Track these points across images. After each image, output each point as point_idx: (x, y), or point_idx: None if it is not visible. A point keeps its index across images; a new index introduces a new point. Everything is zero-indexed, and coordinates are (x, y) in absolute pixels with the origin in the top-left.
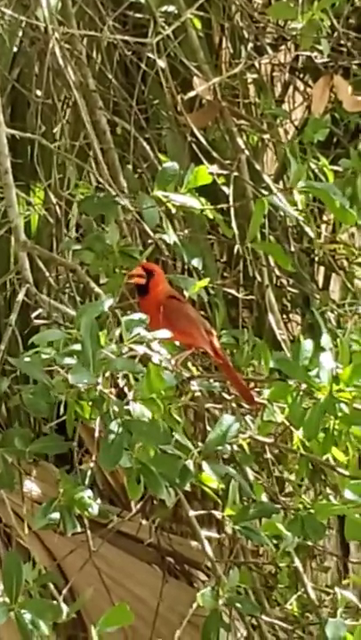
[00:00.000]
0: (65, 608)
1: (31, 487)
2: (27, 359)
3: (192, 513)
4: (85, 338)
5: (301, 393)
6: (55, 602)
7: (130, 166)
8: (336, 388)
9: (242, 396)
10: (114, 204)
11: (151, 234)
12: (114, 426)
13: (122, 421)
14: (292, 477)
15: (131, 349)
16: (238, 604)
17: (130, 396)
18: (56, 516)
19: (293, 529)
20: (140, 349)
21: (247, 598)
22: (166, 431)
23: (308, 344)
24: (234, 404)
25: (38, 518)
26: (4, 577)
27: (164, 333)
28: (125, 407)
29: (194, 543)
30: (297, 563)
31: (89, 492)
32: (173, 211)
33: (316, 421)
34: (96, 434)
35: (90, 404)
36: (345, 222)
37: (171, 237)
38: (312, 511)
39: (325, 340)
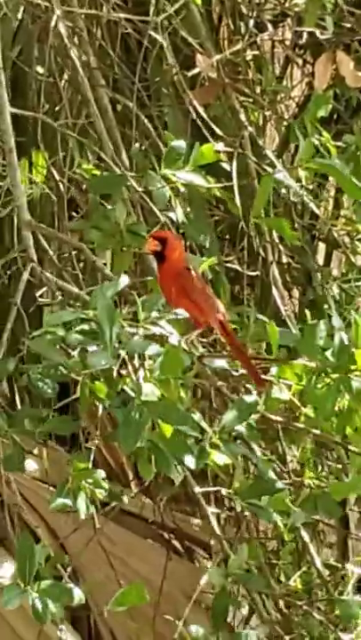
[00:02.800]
0: (77, 591)
1: (34, 466)
2: (39, 340)
3: (198, 490)
4: (102, 319)
5: (315, 372)
6: (67, 584)
7: (137, 145)
8: (348, 367)
9: (251, 377)
10: (122, 182)
11: (158, 213)
12: (133, 406)
13: (141, 402)
14: (297, 453)
15: (146, 329)
16: (247, 581)
17: (140, 376)
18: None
19: (307, 508)
20: (156, 330)
21: (257, 574)
22: (182, 410)
23: (323, 323)
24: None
25: (52, 502)
26: (17, 559)
27: (180, 312)
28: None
29: (196, 521)
30: (306, 538)
31: (101, 474)
32: (182, 189)
33: (331, 401)
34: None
35: (103, 384)
36: (357, 198)
37: (179, 215)
38: (326, 489)
39: (337, 320)
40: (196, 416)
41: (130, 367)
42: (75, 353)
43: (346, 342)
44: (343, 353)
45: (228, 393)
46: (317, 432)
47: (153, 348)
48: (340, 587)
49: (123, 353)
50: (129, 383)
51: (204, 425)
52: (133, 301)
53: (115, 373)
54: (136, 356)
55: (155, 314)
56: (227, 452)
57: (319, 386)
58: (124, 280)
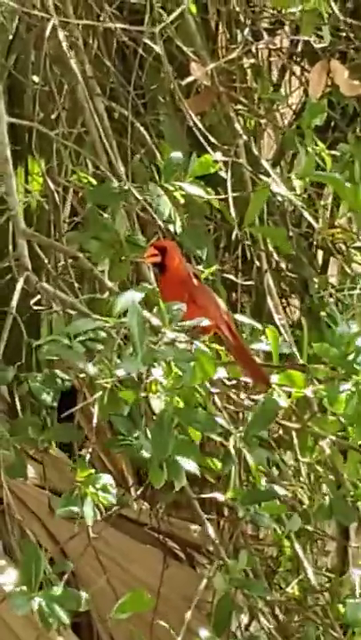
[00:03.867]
0: (84, 596)
1: (33, 471)
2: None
3: (194, 496)
4: (133, 325)
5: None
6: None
7: (137, 156)
8: None
9: (256, 378)
10: (122, 193)
11: (160, 223)
12: (164, 414)
13: (173, 409)
14: (306, 459)
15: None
16: (248, 587)
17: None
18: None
19: (322, 514)
20: (180, 338)
21: (257, 580)
22: (212, 417)
23: (345, 329)
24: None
25: (59, 508)
26: (23, 566)
27: (202, 321)
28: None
29: (194, 527)
30: (297, 547)
31: (110, 480)
32: (182, 201)
33: (358, 407)
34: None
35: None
36: (359, 208)
37: (177, 226)
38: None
39: (355, 325)
40: (223, 421)
41: (155, 374)
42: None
43: None
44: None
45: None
46: (332, 438)
47: (183, 355)
48: (341, 592)
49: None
50: (157, 390)
51: (231, 429)
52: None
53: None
54: (161, 363)
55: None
56: (252, 456)
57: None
58: (138, 295)
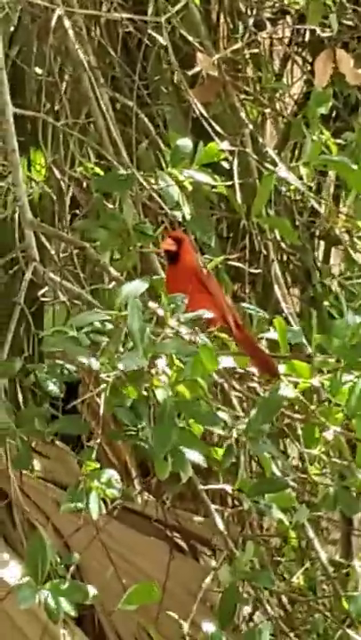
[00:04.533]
0: (91, 589)
1: (37, 464)
2: (66, 342)
3: (201, 487)
4: (132, 320)
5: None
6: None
7: (143, 144)
8: None
9: (264, 369)
10: (130, 181)
11: (168, 211)
12: (166, 407)
13: (174, 402)
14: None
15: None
16: (255, 578)
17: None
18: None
19: (327, 504)
20: (183, 331)
21: (262, 571)
22: (215, 411)
23: (350, 318)
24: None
25: (66, 503)
26: (28, 559)
27: (206, 313)
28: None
29: (199, 519)
30: (311, 535)
31: (115, 474)
32: (190, 188)
33: (359, 399)
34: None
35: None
36: None
37: (186, 214)
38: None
39: (351, 316)
40: (225, 415)
41: (158, 367)
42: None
43: None
44: None
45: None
46: (335, 428)
47: (184, 349)
48: (346, 583)
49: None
50: (160, 383)
51: (232, 423)
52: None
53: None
54: (164, 356)
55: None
56: (255, 450)
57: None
58: (143, 285)
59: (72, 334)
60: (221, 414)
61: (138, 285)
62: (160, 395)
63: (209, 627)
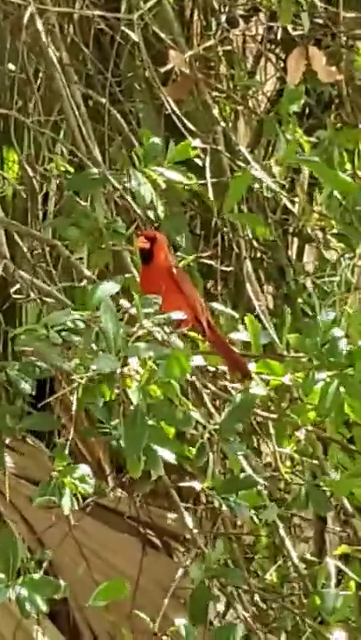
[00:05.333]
0: (63, 584)
1: (11, 461)
2: (38, 342)
3: (171, 485)
4: (106, 322)
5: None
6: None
7: (115, 142)
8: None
9: (235, 369)
10: (102, 180)
11: (138, 210)
12: (136, 410)
13: (145, 404)
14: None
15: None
16: (225, 575)
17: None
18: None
19: (298, 503)
20: (156, 332)
21: (233, 569)
22: (187, 413)
23: (323, 316)
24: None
25: (36, 498)
26: (0, 554)
27: (179, 314)
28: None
29: (173, 516)
30: (282, 533)
31: (87, 470)
32: (163, 186)
33: (332, 399)
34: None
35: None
36: (347, 192)
37: (159, 212)
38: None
39: (324, 314)
40: (197, 415)
41: (130, 369)
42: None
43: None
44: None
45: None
46: (306, 427)
47: (158, 351)
48: (318, 580)
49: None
50: (132, 385)
51: (206, 423)
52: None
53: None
54: (136, 357)
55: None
56: (227, 449)
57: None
58: (116, 286)
59: (44, 333)
60: (194, 414)
61: (111, 286)
62: (132, 396)
63: (181, 621)
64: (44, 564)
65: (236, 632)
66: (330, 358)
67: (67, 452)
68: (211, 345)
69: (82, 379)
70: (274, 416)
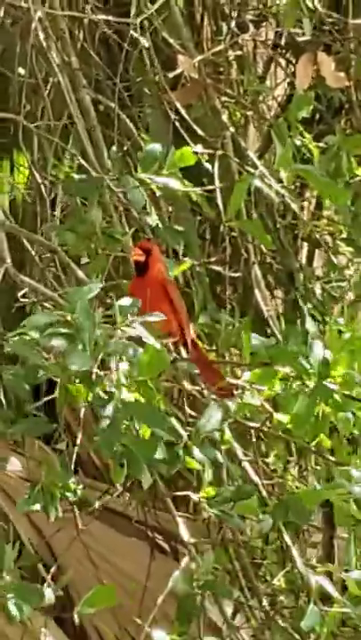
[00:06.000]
0: (49, 593)
1: (18, 464)
2: (18, 342)
3: (168, 494)
4: (83, 322)
5: (291, 379)
6: (40, 585)
7: (114, 147)
8: (326, 375)
9: (217, 391)
10: (98, 185)
11: (136, 215)
12: (110, 409)
13: (121, 404)
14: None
15: (123, 332)
16: (212, 588)
17: (120, 378)
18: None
19: (278, 513)
20: (134, 332)
21: (222, 582)
22: (162, 414)
23: (296, 330)
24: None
25: (21, 504)
26: None
27: (156, 316)
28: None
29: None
30: (287, 540)
31: (72, 478)
32: (158, 193)
33: (307, 409)
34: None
35: (82, 386)
36: (336, 202)
37: (153, 220)
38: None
39: (310, 324)
40: (172, 420)
41: (109, 369)
42: (51, 355)
43: (320, 349)
44: (319, 360)
45: (198, 396)
46: (291, 439)
47: (133, 350)
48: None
49: (101, 355)
50: (107, 385)
51: (179, 428)
52: (109, 304)
53: (94, 375)
54: (114, 357)
55: (131, 317)
56: (201, 455)
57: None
58: (97, 285)
59: (32, 336)
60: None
61: (90, 289)
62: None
63: (159, 635)
64: (52, 569)
65: None
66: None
67: (74, 455)
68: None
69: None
70: (255, 425)
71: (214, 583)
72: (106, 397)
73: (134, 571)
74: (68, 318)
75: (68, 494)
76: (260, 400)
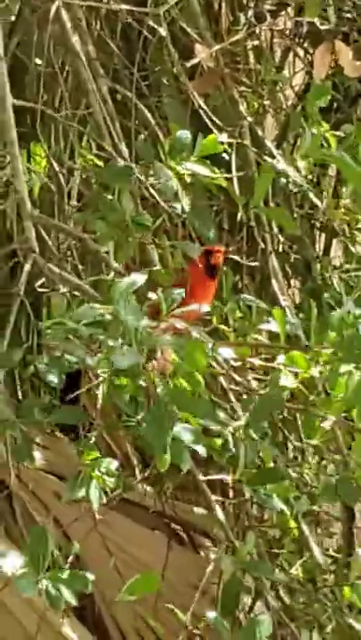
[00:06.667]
0: (91, 578)
1: (37, 455)
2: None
3: (202, 478)
4: (128, 316)
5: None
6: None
7: (141, 136)
8: None
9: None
10: (129, 173)
11: (163, 204)
12: (162, 402)
13: (169, 396)
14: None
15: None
16: (255, 568)
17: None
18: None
19: (327, 493)
20: (178, 325)
21: (263, 562)
22: (210, 404)
23: (349, 308)
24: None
25: (68, 492)
26: (30, 548)
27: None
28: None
29: (198, 509)
30: (304, 528)
31: (114, 463)
32: (188, 180)
33: (356, 390)
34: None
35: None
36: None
37: (185, 206)
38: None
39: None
40: (221, 412)
41: (154, 362)
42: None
43: None
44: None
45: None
46: (333, 419)
47: (178, 343)
48: (350, 572)
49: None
50: (155, 378)
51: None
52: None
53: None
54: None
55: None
56: (252, 447)
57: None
58: (143, 277)
59: (71, 327)
60: (219, 412)
61: (135, 279)
62: (157, 389)
63: (212, 614)
64: (70, 559)
65: (263, 626)
66: (354, 350)
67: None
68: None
69: (105, 373)
70: (301, 407)
71: (257, 564)
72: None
73: (152, 561)
74: (112, 312)
75: (110, 480)
76: (294, 382)
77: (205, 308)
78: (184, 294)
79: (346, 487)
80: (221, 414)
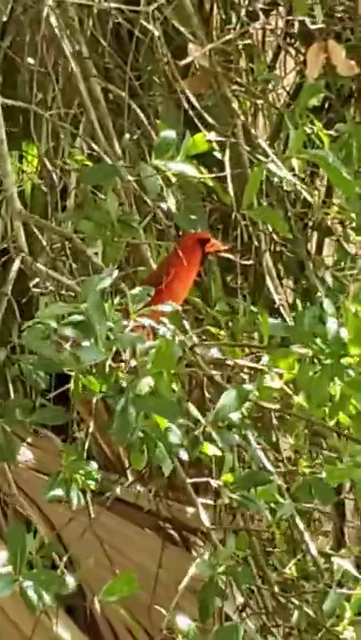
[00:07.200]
0: (69, 579)
1: (29, 455)
2: (30, 333)
3: (188, 480)
4: (93, 314)
5: (307, 360)
6: (59, 572)
7: (127, 135)
8: (342, 354)
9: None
10: (114, 173)
11: (150, 203)
12: (123, 401)
13: (132, 397)
14: (292, 441)
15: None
16: (234, 574)
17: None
18: (60, 490)
19: (301, 494)
20: (147, 322)
21: (244, 567)
22: (175, 404)
23: (312, 310)
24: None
25: (45, 492)
26: (8, 548)
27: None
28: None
29: (192, 510)
30: (300, 527)
31: (94, 465)
32: (173, 179)
33: (324, 388)
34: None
35: (96, 378)
36: (345, 192)
37: (171, 205)
38: (321, 476)
39: (327, 304)
40: (190, 406)
41: (123, 359)
42: (67, 346)
43: (337, 328)
44: (335, 339)
45: (223, 382)
46: (311, 419)
47: (144, 344)
48: (333, 577)
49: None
50: (121, 376)
51: (198, 415)
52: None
53: (107, 367)
54: (129, 348)
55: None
56: (220, 441)
57: (311, 373)
58: (113, 273)
59: (46, 327)
60: (187, 405)
61: (99, 278)
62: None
63: (183, 619)
64: (64, 559)
65: (238, 633)
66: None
67: (86, 446)
68: None
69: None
70: (275, 407)
71: (235, 569)
72: (119, 389)
73: (145, 561)
74: (82, 308)
75: (89, 482)
76: (279, 383)
77: (176, 306)
78: (164, 285)
79: (319, 487)
80: (191, 407)
